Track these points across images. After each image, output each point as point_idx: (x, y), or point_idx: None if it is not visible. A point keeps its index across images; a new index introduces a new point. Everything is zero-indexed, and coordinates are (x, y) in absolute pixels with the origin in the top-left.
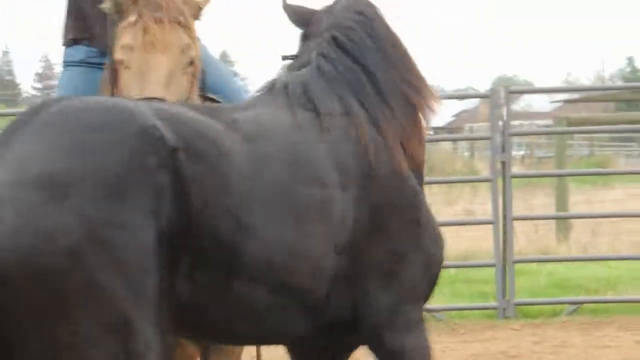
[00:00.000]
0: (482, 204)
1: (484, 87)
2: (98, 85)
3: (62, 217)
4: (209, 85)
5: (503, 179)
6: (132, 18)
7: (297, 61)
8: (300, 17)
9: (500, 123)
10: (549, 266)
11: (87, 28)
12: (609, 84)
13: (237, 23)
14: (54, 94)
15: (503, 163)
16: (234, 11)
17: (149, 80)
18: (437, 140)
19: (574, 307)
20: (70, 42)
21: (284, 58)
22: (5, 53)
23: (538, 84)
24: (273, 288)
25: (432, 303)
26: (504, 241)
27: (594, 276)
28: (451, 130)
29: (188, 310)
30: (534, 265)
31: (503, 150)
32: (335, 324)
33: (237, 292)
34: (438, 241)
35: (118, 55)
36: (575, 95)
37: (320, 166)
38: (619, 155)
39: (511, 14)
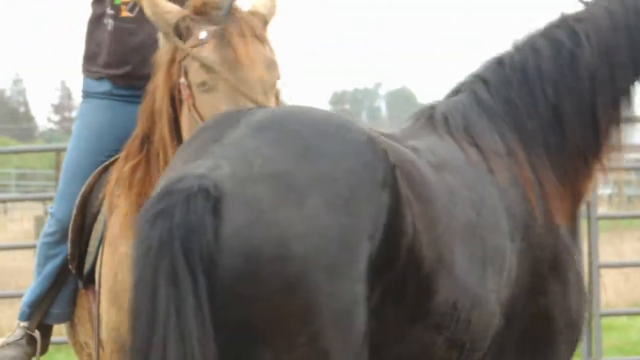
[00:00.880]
0: None
1: None
2: (134, 118)
3: (296, 222)
4: None
5: (588, 220)
6: (202, 35)
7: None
8: None
9: None
10: None
11: (120, 61)
12: None
13: None
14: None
15: (587, 203)
16: None
17: (240, 105)
18: None
19: None
20: (95, 74)
21: None
22: (17, 82)
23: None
24: (450, 340)
25: None
26: (590, 292)
27: None
28: None
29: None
30: (624, 318)
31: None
32: None
33: (418, 336)
34: (583, 298)
35: (196, 77)
36: None
37: (497, 212)
38: None
39: None
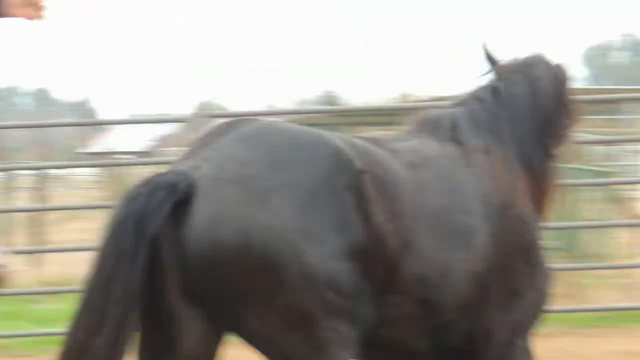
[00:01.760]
0: None
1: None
2: None
3: (259, 217)
4: None
5: None
6: None
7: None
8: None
9: None
10: None
11: None
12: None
13: None
14: None
15: None
16: None
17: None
18: (136, 164)
19: None
20: None
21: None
22: None
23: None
24: (418, 301)
25: None
26: None
27: None
28: (149, 154)
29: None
30: None
31: None
32: (450, 349)
33: (392, 300)
34: (548, 279)
35: None
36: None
37: (470, 198)
38: None
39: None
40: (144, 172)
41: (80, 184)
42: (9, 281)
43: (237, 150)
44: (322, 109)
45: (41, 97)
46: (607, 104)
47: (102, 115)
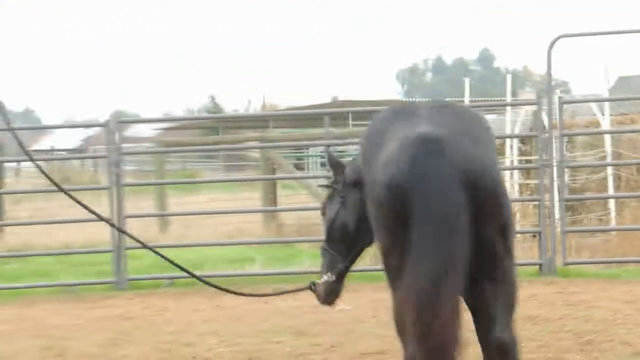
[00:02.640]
0: (104, 206)
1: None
2: None
3: (481, 154)
4: None
5: (117, 187)
6: None
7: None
8: (336, 164)
9: (114, 145)
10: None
11: None
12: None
13: None
14: None
15: (117, 175)
16: None
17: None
18: (70, 159)
19: (170, 281)
20: None
21: (327, 186)
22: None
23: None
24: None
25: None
26: (119, 233)
27: (186, 258)
28: (80, 151)
29: None
30: (142, 251)
31: (117, 165)
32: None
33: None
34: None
35: None
36: (173, 124)
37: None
38: (205, 169)
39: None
40: (76, 165)
41: (29, 174)
42: None
43: (451, 119)
44: (207, 116)
45: None
46: None
47: (45, 121)
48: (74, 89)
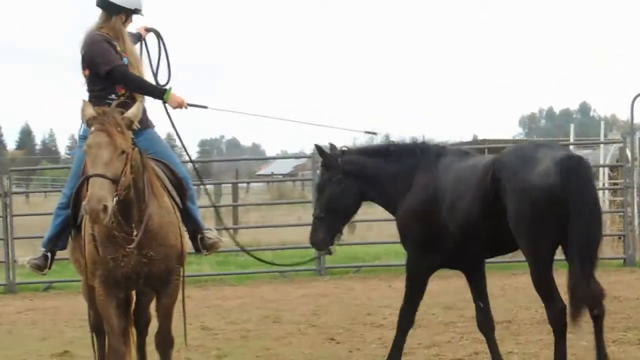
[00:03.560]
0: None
1: None
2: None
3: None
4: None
5: None
6: (92, 128)
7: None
8: (328, 155)
9: (317, 171)
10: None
11: None
12: None
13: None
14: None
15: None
16: None
17: (97, 163)
18: (284, 181)
19: (356, 269)
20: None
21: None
22: (51, 135)
23: None
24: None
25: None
26: None
27: (369, 251)
28: (293, 175)
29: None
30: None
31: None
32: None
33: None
34: None
35: (84, 149)
36: None
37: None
38: None
39: None
40: (289, 185)
41: (255, 191)
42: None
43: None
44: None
45: None
46: None
47: (268, 153)
48: (288, 128)
